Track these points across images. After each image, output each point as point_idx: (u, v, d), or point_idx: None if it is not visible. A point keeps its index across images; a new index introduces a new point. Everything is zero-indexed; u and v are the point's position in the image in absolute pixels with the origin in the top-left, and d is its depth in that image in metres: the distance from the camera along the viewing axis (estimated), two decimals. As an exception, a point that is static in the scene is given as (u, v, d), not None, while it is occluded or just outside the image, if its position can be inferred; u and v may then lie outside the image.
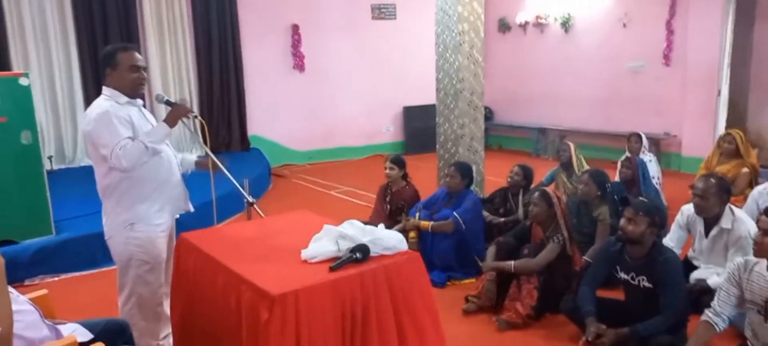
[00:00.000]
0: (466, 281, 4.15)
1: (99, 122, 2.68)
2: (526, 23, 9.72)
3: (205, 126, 3.02)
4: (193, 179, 3.20)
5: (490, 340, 3.37)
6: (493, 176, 6.12)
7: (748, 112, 7.85)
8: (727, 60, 7.39)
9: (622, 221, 3.06)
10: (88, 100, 7.08)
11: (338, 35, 9.31)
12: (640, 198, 3.73)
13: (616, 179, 5.71)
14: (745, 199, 4.50)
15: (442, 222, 4.19)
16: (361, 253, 2.27)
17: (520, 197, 4.60)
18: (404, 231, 4.15)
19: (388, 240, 2.37)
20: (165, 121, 2.84)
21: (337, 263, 2.23)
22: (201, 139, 3.01)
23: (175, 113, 2.88)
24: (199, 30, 8.39)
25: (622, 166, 5.26)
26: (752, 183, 5.50)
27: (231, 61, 8.61)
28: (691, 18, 7.49)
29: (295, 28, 9.00)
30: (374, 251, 2.32)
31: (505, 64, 10.28)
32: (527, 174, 4.68)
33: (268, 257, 2.42)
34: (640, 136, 6.15)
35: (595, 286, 3.22)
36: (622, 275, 3.16)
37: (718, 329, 2.73)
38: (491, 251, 3.82)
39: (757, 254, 2.66)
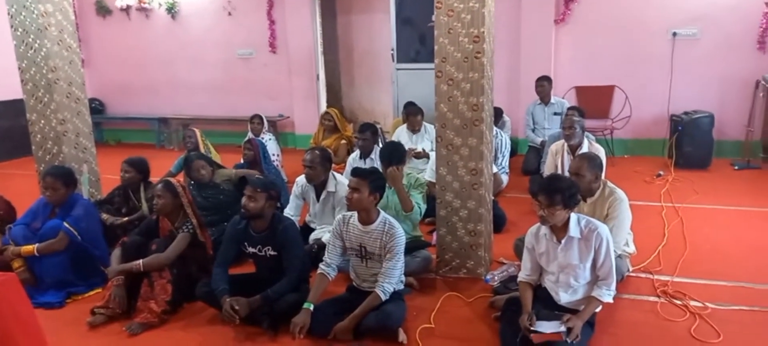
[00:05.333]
0: (92, 292, 3.72)
1: None
2: (129, 7, 9.11)
3: None
4: None
5: (125, 349, 3.11)
6: (112, 173, 5.58)
7: (342, 92, 9.32)
8: (319, 49, 8.56)
9: (244, 200, 3.22)
10: None
11: None
12: (256, 176, 4.03)
13: (242, 160, 6.01)
14: (345, 165, 5.37)
15: (50, 241, 3.62)
16: None
17: (143, 192, 4.33)
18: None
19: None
20: None
21: None
22: None
23: None
24: None
25: (245, 148, 5.55)
26: (349, 151, 6.59)
27: None
28: (288, 10, 8.36)
29: None
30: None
31: (110, 51, 9.47)
32: (141, 167, 4.38)
33: None
34: (261, 118, 6.61)
35: (226, 265, 3.31)
36: (250, 249, 3.35)
37: (330, 277, 3.20)
38: (116, 254, 3.50)
39: (349, 209, 3.20)
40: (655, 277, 3.70)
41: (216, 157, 5.79)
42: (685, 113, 6.62)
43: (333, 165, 4.37)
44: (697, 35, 6.76)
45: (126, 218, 4.25)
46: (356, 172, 3.18)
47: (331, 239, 3.26)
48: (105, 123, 9.79)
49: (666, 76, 6.90)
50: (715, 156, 6.53)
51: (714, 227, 4.66)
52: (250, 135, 6.43)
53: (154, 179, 4.39)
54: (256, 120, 6.54)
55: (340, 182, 4.18)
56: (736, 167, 6.40)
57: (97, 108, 9.35)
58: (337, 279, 3.35)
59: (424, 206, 3.96)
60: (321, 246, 3.82)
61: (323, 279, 3.17)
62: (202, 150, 5.57)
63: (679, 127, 6.49)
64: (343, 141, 7.26)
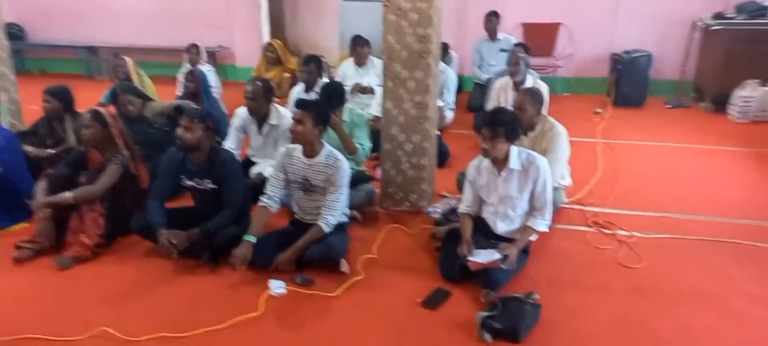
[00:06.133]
0: (17, 226, 3.55)
1: None
2: None
3: None
4: None
5: (53, 282, 2.98)
6: (37, 104, 5.22)
7: (286, 24, 8.96)
8: (262, -24, 8.16)
9: (179, 131, 3.08)
10: None
11: None
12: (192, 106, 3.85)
13: (178, 92, 5.74)
14: (289, 99, 5.21)
15: None
16: None
17: (69, 123, 4.07)
18: None
19: None
20: None
21: None
22: None
23: None
24: None
25: (186, 79, 5.28)
26: (293, 85, 6.41)
27: None
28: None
29: None
30: None
31: (31, -29, 8.69)
32: (63, 96, 4.07)
33: None
34: (198, 47, 6.30)
35: (162, 198, 3.20)
36: (188, 182, 3.24)
37: (272, 209, 3.15)
38: (41, 186, 3.32)
39: (293, 142, 3.12)
40: (588, 208, 3.86)
41: (150, 88, 5.49)
42: (626, 52, 6.78)
43: (276, 98, 4.22)
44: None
45: (52, 150, 4.00)
46: (300, 103, 3.08)
47: (274, 172, 3.18)
48: (27, 51, 9.08)
49: (611, 14, 7.00)
50: (651, 95, 6.77)
51: (644, 162, 4.89)
52: (187, 66, 6.13)
53: (83, 110, 4.13)
54: (192, 50, 6.24)
55: (283, 114, 4.06)
56: (668, 106, 6.67)
57: (16, 34, 8.63)
58: (280, 213, 3.31)
59: (369, 145, 3.91)
60: (263, 180, 3.69)
61: (264, 212, 3.11)
62: (135, 81, 5.26)
63: (619, 66, 6.66)
64: (287, 74, 7.04)
